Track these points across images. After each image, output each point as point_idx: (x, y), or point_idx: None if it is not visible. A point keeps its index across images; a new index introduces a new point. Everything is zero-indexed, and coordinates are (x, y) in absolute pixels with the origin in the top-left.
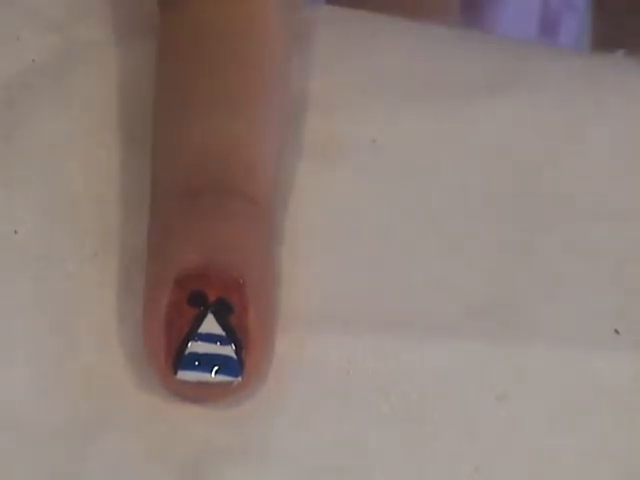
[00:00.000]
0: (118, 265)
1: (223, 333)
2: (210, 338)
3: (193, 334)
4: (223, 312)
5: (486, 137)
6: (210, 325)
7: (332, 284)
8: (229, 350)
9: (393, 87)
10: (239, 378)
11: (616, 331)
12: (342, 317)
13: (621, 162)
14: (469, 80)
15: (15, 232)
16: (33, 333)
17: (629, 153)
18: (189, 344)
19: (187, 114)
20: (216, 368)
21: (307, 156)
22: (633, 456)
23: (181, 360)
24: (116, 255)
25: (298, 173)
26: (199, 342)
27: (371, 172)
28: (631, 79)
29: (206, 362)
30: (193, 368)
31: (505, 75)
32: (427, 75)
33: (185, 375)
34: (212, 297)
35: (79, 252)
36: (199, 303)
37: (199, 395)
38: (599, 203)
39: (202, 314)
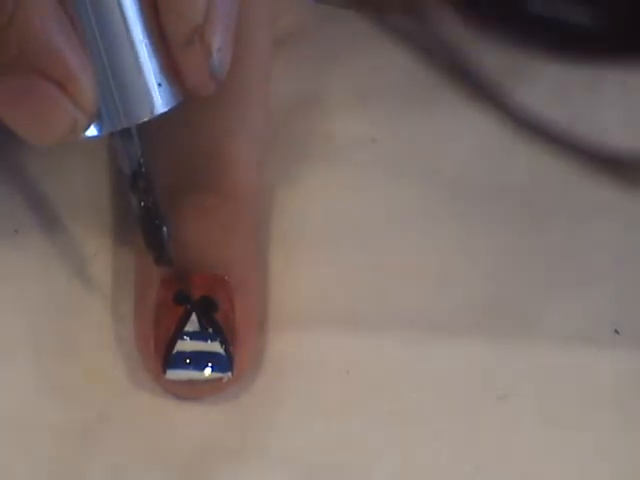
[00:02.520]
0: (118, 265)
1: (210, 330)
2: (197, 336)
3: (180, 333)
4: (208, 309)
5: (486, 137)
6: (196, 323)
7: (332, 284)
8: (217, 346)
9: (393, 87)
10: (229, 373)
11: (616, 331)
12: (342, 317)
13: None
14: (469, 80)
15: (15, 232)
16: (33, 333)
17: None
18: (177, 343)
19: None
20: (205, 365)
21: (307, 156)
22: (633, 456)
23: (169, 359)
24: (116, 255)
25: (298, 173)
26: (186, 340)
27: (371, 172)
28: (631, 79)
29: (194, 360)
30: (182, 367)
31: (505, 75)
32: (427, 75)
33: (174, 374)
34: (196, 295)
35: (79, 252)
36: (184, 302)
37: (191, 392)
38: (599, 203)
39: (187, 313)
